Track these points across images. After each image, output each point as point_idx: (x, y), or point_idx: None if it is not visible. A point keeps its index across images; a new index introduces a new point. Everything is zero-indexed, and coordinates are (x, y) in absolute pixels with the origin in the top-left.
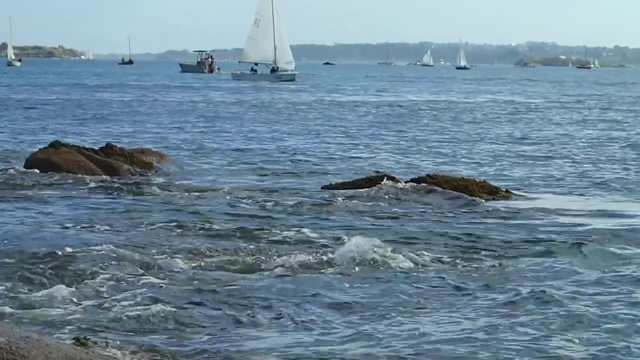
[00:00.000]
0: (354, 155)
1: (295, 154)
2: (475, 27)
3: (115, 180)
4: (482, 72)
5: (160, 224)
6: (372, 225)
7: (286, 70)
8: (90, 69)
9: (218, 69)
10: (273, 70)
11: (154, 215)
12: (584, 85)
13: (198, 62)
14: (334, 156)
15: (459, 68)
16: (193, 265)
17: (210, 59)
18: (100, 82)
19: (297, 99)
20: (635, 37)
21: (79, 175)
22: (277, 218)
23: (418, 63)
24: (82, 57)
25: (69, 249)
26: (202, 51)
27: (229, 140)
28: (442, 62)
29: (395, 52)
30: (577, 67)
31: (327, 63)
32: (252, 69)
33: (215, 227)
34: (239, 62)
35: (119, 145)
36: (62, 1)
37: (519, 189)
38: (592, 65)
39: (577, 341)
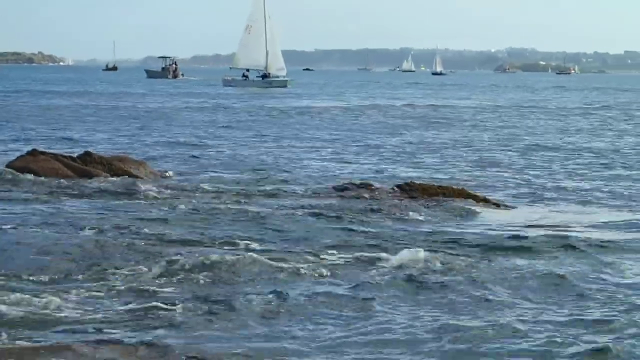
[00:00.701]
0: (324, 163)
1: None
2: (456, 33)
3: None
4: (458, 77)
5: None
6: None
7: (277, 77)
8: (67, 75)
9: (182, 74)
10: (264, 77)
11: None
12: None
13: (162, 68)
14: (307, 164)
15: (435, 74)
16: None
17: (174, 65)
18: (69, 88)
19: (281, 105)
20: (615, 43)
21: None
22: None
23: (398, 69)
24: (61, 63)
25: None
26: (166, 57)
27: (211, 147)
28: (423, 68)
29: (375, 57)
30: (557, 74)
31: (307, 69)
32: (243, 75)
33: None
34: (230, 68)
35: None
36: (42, 7)
37: (492, 195)
38: (573, 71)
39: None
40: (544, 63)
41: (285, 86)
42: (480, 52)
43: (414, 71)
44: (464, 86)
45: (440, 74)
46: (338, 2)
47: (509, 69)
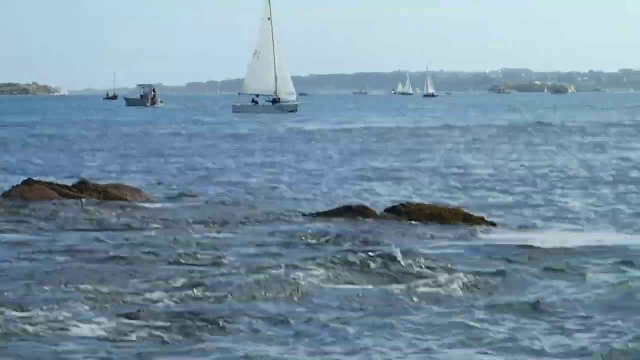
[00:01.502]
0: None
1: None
2: (450, 55)
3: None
4: (449, 99)
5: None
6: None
7: (288, 102)
8: (67, 105)
9: (161, 102)
10: (274, 102)
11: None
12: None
13: (141, 96)
14: (301, 186)
15: (426, 96)
16: None
17: (153, 93)
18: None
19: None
20: (609, 61)
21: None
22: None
23: (393, 92)
24: (56, 93)
25: None
26: (145, 85)
27: (199, 171)
28: (418, 91)
29: (371, 81)
30: (553, 93)
31: (302, 94)
32: (253, 101)
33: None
34: (239, 94)
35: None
36: (36, 38)
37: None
38: (570, 90)
39: None
40: (539, 83)
41: (295, 111)
42: (475, 73)
43: (411, 94)
44: (451, 108)
45: (432, 95)
46: (331, 27)
47: (504, 90)
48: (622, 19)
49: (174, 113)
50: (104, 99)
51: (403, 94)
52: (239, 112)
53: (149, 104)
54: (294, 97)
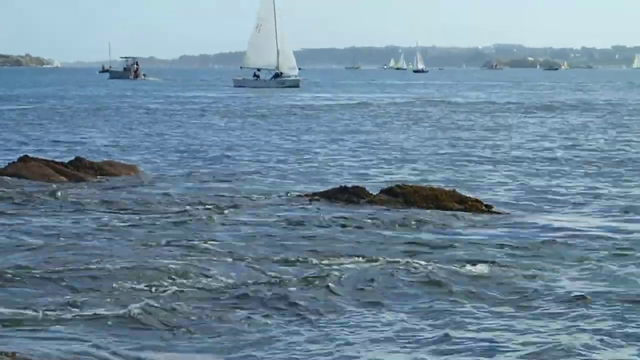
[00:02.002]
0: (311, 164)
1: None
2: (443, 31)
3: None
4: (435, 74)
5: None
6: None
7: (289, 76)
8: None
9: (144, 75)
10: (276, 76)
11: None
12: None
13: (124, 69)
14: (297, 165)
15: (416, 71)
16: None
17: (135, 66)
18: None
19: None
20: (602, 37)
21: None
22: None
23: (385, 67)
24: (48, 65)
25: None
26: (128, 58)
27: (197, 146)
28: (410, 66)
29: (362, 56)
30: (545, 70)
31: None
32: (254, 75)
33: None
34: (240, 67)
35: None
36: (29, 8)
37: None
38: (563, 67)
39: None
40: (532, 59)
41: (297, 86)
42: (468, 49)
43: (405, 69)
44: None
45: (422, 71)
46: (324, 1)
47: (496, 66)
48: None
49: (159, 87)
50: (99, 71)
51: (397, 68)
52: (240, 86)
53: (131, 77)
54: (295, 72)
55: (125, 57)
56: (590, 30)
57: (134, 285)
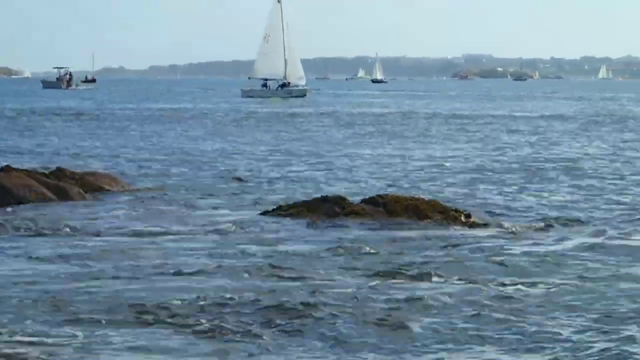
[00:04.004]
0: (293, 175)
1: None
2: (413, 41)
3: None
4: (395, 84)
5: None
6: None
7: (297, 86)
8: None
9: (76, 85)
10: (283, 86)
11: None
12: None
13: (57, 79)
14: (272, 175)
15: (375, 81)
16: None
17: (68, 76)
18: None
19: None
20: (571, 48)
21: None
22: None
23: (346, 79)
24: (16, 75)
25: None
26: (61, 68)
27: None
28: (368, 76)
29: (332, 66)
30: (514, 80)
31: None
32: (263, 85)
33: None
34: (249, 78)
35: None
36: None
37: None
38: (535, 77)
39: None
40: (501, 69)
41: (304, 95)
42: (438, 59)
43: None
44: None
45: (381, 81)
46: (295, 11)
47: (467, 76)
48: (583, 6)
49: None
50: (81, 81)
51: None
52: (248, 96)
53: (64, 87)
54: (303, 82)
55: (58, 68)
56: (559, 41)
57: None
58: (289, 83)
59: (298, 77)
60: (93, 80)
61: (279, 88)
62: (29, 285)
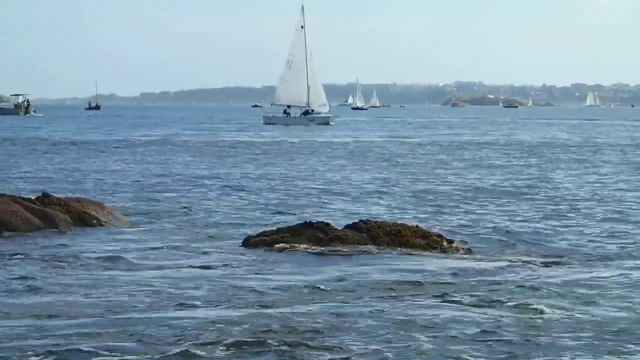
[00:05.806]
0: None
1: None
2: (404, 68)
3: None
4: (372, 112)
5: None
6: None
7: (319, 113)
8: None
9: (34, 111)
10: (306, 113)
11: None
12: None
13: (15, 105)
14: (256, 204)
15: (354, 109)
16: None
17: (26, 103)
18: None
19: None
20: (562, 75)
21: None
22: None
23: (344, 103)
24: (4, 103)
25: None
26: (18, 95)
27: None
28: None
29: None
30: (504, 107)
31: (255, 105)
32: (285, 112)
33: None
34: (271, 105)
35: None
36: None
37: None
38: (528, 104)
39: None
40: (492, 96)
41: (327, 123)
42: (429, 86)
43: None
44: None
45: (361, 108)
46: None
47: (459, 103)
48: (575, 34)
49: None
50: (85, 108)
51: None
52: (270, 123)
53: (21, 113)
54: (326, 109)
55: (16, 95)
56: (550, 68)
57: None
58: (312, 110)
59: (321, 104)
60: (97, 107)
61: (302, 115)
62: None
